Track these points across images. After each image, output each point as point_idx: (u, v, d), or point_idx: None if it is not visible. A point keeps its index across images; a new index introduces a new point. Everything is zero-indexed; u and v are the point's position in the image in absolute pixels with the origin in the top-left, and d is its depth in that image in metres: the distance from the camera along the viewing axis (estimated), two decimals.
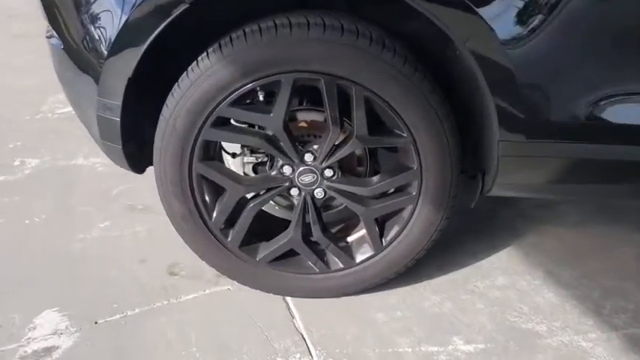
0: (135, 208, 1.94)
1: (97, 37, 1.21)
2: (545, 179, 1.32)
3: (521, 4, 1.09)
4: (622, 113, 1.17)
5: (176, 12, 1.12)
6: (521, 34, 1.10)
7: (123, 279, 1.60)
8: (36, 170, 2.22)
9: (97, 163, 2.25)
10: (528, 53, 1.12)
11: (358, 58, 1.16)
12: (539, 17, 1.09)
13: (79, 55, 1.27)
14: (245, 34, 1.16)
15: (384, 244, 1.40)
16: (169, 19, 1.13)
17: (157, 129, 1.28)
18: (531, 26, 1.10)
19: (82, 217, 1.90)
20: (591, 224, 1.81)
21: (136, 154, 1.42)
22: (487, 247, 1.70)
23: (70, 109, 2.77)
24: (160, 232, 1.79)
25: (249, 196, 1.40)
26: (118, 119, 1.28)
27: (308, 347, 1.36)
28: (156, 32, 1.14)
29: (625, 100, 1.17)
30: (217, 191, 1.40)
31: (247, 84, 1.20)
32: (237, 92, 1.21)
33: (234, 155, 1.50)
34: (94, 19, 1.20)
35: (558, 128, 1.20)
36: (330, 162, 1.31)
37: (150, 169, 1.51)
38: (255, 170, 1.43)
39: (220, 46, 1.18)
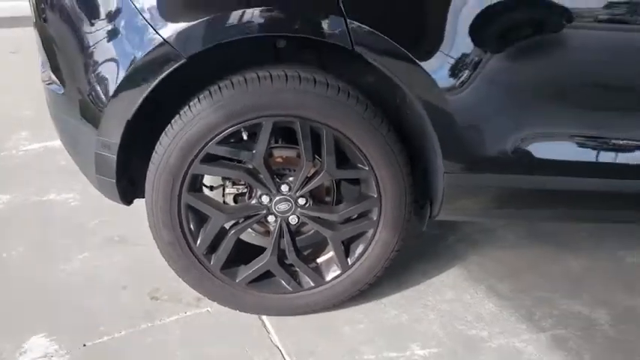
0: (112, 240, 2.05)
1: (99, 84, 1.38)
2: (484, 205, 1.58)
3: (456, 57, 1.35)
4: (544, 150, 1.46)
5: (174, 65, 1.31)
6: (457, 82, 1.36)
7: (106, 304, 1.71)
8: (7, 206, 2.28)
9: (69, 198, 2.34)
10: (464, 98, 1.38)
11: (328, 104, 1.39)
12: (471, 68, 1.36)
13: (80, 99, 1.43)
14: (232, 83, 1.37)
15: (349, 263, 1.60)
16: (168, 71, 1.32)
17: (151, 164, 1.45)
18: (465, 75, 1.36)
19: (60, 249, 1.99)
20: (525, 246, 2.08)
21: (127, 187, 1.57)
22: (436, 268, 1.93)
23: (35, 146, 2.90)
24: (139, 261, 1.92)
25: (229, 224, 1.58)
26: (115, 156, 1.44)
27: (284, 358, 1.52)
28: (155, 82, 1.33)
29: (546, 139, 1.46)
30: (201, 220, 1.56)
31: (234, 126, 1.39)
32: (224, 132, 1.40)
33: (211, 188, 1.68)
34: (98, 67, 1.37)
35: (493, 162, 1.47)
36: (303, 192, 1.51)
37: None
38: (235, 200, 1.61)
39: (211, 93, 1.38)
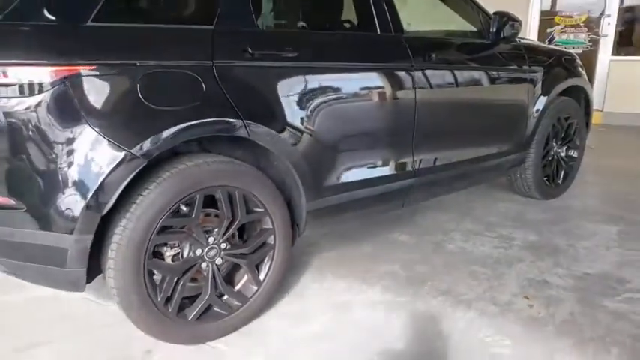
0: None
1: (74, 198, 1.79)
2: (332, 217, 2.54)
3: (296, 128, 2.26)
4: (355, 175, 2.52)
5: (138, 169, 1.84)
6: (301, 140, 2.27)
7: None
8: None
9: None
10: (306, 149, 2.30)
11: (239, 175, 2.11)
12: (305, 132, 2.29)
13: (46, 214, 1.78)
14: (174, 172, 1.95)
15: (262, 279, 2.30)
16: (136, 172, 1.84)
17: (116, 245, 1.87)
18: (303, 136, 2.29)
19: None
20: (337, 245, 3.11)
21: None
22: (296, 276, 2.76)
23: None
24: None
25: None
26: (89, 247, 1.83)
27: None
28: (126, 182, 1.83)
29: (351, 169, 2.51)
30: (153, 280, 2.04)
31: (180, 201, 1.97)
32: (172, 208, 1.96)
33: None
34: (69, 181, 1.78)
35: (331, 188, 2.43)
36: (224, 238, 2.17)
37: None
38: (172, 260, 2.13)
39: (159, 183, 1.92)
